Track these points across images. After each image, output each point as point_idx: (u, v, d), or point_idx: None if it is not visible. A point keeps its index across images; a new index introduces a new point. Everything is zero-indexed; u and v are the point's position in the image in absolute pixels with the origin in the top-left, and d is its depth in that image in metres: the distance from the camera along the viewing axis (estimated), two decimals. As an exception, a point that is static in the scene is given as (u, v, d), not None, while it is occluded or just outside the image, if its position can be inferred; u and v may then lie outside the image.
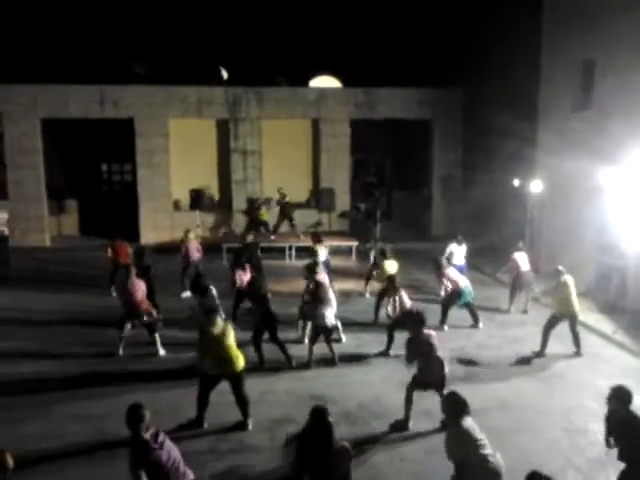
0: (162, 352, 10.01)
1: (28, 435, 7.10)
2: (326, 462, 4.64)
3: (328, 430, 4.69)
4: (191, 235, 13.93)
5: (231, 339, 7.36)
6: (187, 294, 13.12)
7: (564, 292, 9.93)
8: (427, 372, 7.40)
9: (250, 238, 13.90)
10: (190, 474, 4.89)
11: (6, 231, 16.15)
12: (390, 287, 10.21)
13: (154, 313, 10.11)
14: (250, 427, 7.51)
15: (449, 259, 12.61)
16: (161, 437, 4.82)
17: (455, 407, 5.24)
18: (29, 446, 6.78)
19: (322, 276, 10.82)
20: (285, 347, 9.54)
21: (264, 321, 9.45)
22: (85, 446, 7.09)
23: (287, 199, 18.44)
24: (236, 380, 7.40)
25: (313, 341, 9.59)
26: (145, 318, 9.90)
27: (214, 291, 10.07)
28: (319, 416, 4.77)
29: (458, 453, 5.08)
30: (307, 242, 15.02)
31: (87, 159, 23.23)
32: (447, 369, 7.46)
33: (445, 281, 11.36)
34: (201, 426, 7.40)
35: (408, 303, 10.00)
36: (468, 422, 5.17)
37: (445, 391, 7.41)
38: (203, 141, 20.48)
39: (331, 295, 9.89)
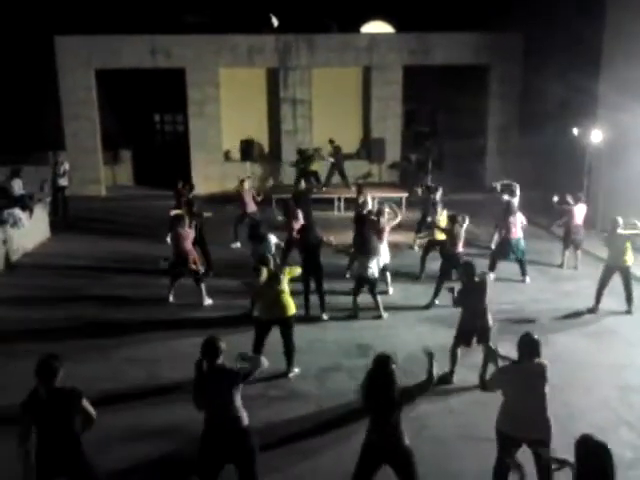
0: (207, 302, 10.20)
1: (89, 376, 7.44)
2: (385, 407, 4.78)
3: (389, 377, 4.78)
4: (246, 185, 13.91)
5: (282, 285, 7.51)
6: (237, 244, 13.32)
7: (618, 243, 9.59)
8: (468, 322, 7.48)
9: (301, 187, 13.86)
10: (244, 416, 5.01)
11: (63, 182, 16.70)
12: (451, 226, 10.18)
13: (199, 263, 10.31)
14: (290, 376, 7.70)
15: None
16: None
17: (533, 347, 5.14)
18: (89, 386, 7.10)
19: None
20: (325, 301, 9.63)
21: (310, 271, 9.54)
22: (140, 389, 7.43)
23: (339, 152, 18.32)
24: (286, 325, 7.59)
25: (356, 292, 9.66)
26: (191, 267, 10.07)
27: (274, 239, 10.06)
28: (381, 364, 4.86)
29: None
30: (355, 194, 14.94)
31: (140, 109, 23.49)
32: (491, 321, 7.42)
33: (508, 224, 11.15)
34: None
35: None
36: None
37: (490, 344, 7.44)
38: (253, 91, 20.34)
39: (382, 246, 9.90)
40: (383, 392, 4.77)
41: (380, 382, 4.80)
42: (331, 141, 18.44)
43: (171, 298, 10.25)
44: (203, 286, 10.21)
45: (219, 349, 4.98)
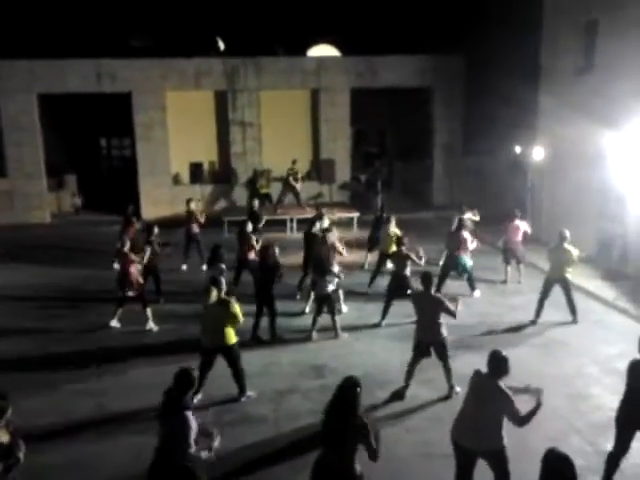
0: (151, 326, 9.96)
1: (35, 410, 7.17)
2: (340, 434, 4.70)
3: (349, 404, 4.73)
4: (192, 205, 13.72)
5: (227, 313, 7.29)
6: (184, 267, 13.21)
7: (562, 257, 9.86)
8: (421, 333, 7.58)
9: (255, 206, 13.78)
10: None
11: None
12: (399, 248, 10.20)
13: (142, 287, 10.07)
14: (243, 400, 7.55)
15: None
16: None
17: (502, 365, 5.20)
18: (36, 421, 6.85)
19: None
20: (275, 327, 9.51)
21: (261, 299, 9.47)
22: (89, 421, 7.17)
23: (298, 175, 18.35)
24: (228, 354, 7.43)
25: (317, 312, 9.61)
26: (131, 292, 9.85)
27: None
28: (345, 388, 4.82)
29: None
30: (310, 214, 14.93)
31: (86, 134, 23.09)
32: (445, 333, 7.52)
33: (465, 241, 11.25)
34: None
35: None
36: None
37: (448, 360, 7.52)
38: (202, 114, 20.28)
39: (334, 265, 9.91)
40: (343, 416, 4.71)
41: (341, 406, 4.75)
42: (294, 162, 18.40)
43: (114, 323, 9.98)
44: (148, 310, 9.99)
45: (192, 381, 4.89)
